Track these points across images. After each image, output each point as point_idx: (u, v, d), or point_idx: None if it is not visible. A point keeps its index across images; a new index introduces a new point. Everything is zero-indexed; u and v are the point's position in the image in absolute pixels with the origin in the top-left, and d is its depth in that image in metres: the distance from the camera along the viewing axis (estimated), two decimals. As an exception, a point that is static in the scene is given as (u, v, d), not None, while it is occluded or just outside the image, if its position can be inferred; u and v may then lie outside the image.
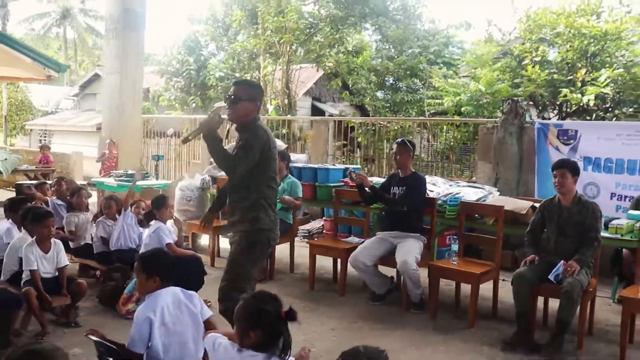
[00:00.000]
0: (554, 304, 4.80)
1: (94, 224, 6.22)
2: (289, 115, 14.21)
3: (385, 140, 12.39)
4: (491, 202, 5.99)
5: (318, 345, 4.49)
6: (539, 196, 7.02)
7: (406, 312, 5.45)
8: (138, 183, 8.34)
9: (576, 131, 7.35)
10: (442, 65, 15.63)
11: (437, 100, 12.30)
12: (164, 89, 18.38)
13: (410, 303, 5.50)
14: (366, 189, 5.87)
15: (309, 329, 4.91)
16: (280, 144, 8.24)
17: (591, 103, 10.09)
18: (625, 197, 6.87)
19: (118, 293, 5.25)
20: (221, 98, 18.38)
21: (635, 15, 10.54)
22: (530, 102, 11.65)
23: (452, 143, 11.82)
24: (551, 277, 4.67)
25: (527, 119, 7.89)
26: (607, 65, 10.37)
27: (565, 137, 7.39)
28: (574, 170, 4.92)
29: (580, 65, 10.80)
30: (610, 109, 10.91)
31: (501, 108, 11.26)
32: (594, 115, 10.80)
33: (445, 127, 11.95)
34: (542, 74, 10.63)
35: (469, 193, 6.26)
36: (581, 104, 10.38)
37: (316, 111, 21.64)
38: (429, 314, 5.33)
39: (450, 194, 6.21)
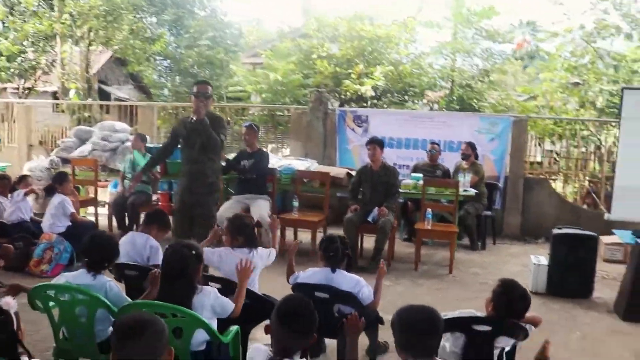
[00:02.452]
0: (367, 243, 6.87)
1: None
2: (113, 101, 14.80)
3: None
4: (317, 170, 7.88)
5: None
6: (340, 165, 9.10)
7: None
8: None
9: (367, 116, 9.56)
10: (220, 50, 17.13)
11: (239, 88, 13.95)
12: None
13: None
14: (221, 162, 7.40)
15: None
16: (125, 127, 9.28)
17: (368, 93, 12.54)
18: (404, 165, 9.21)
19: (24, 258, 6.17)
20: (12, 80, 18.05)
21: (400, 22, 13.22)
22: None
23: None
24: (369, 219, 6.70)
25: (330, 106, 9.92)
26: (381, 62, 12.90)
27: (359, 121, 9.56)
28: (381, 145, 7.00)
29: (358, 61, 13.20)
30: (380, 97, 13.47)
31: (293, 95, 13.39)
32: (368, 102, 13.28)
33: (244, 111, 13.70)
34: (329, 68, 12.82)
35: (297, 164, 8.08)
36: (359, 93, 12.79)
37: (103, 94, 21.97)
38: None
39: (282, 165, 7.97)
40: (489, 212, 8.20)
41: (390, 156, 9.26)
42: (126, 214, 7.70)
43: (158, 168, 7.93)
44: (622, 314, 5.34)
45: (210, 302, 3.04)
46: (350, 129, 9.57)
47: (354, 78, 12.79)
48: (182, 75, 15.37)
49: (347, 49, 13.10)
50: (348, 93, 13.19)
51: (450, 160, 8.72)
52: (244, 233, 4.01)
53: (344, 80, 12.92)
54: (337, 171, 7.74)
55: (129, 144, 8.60)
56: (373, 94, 12.92)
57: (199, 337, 2.93)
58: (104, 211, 8.58)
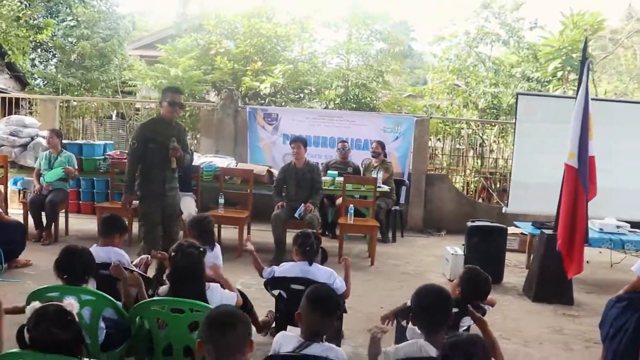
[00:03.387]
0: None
1: None
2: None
3: (81, 117, 13.32)
4: (238, 167, 8.06)
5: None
6: (251, 162, 9.30)
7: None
8: None
9: (277, 114, 9.82)
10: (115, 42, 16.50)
11: (135, 82, 13.66)
12: None
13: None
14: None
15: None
16: (34, 122, 8.90)
17: (267, 90, 12.78)
18: (315, 162, 9.54)
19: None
20: None
21: (297, 21, 13.56)
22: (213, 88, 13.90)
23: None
24: (296, 215, 7.00)
25: (240, 104, 10.10)
26: (279, 60, 13.16)
27: (269, 119, 9.80)
28: (305, 143, 7.32)
29: (256, 58, 13.38)
30: (276, 95, 13.72)
31: (193, 91, 13.36)
32: (267, 100, 13.51)
33: (139, 105, 13.51)
34: (229, 64, 12.92)
35: (218, 161, 8.21)
36: (257, 90, 12.99)
37: (-27, 84, 20.57)
38: (206, 251, 7.16)
39: (204, 162, 8.07)
40: (397, 207, 8.75)
41: (300, 153, 9.62)
42: (42, 213, 7.48)
43: (75, 165, 7.77)
44: (532, 296, 6.02)
45: (218, 297, 3.22)
46: (261, 126, 9.79)
47: (251, 75, 12.97)
48: (74, 67, 14.73)
49: (245, 46, 13.23)
50: (243, 89, 13.35)
51: (357, 157, 9.20)
52: (204, 232, 4.23)
53: (242, 77, 13.06)
54: (259, 169, 7.97)
55: (40, 139, 8.31)
56: (269, 91, 13.15)
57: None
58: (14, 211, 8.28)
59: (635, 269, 4.12)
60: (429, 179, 9.70)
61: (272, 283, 3.98)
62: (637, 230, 7.10)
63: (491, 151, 12.63)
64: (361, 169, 8.88)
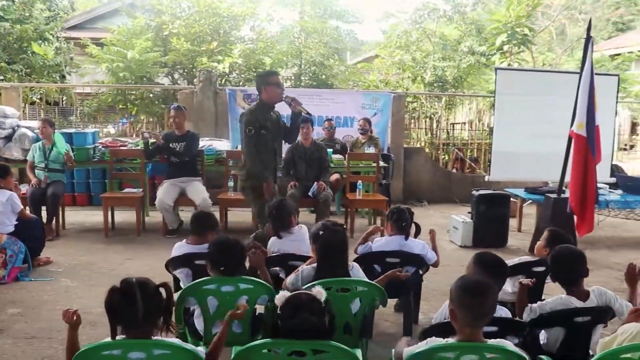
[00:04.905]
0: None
1: None
2: None
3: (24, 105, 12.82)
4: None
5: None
6: (232, 143, 9.40)
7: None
8: None
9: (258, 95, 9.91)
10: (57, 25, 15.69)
11: (92, 66, 13.24)
12: None
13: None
14: (150, 146, 7.45)
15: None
16: (15, 112, 8.59)
17: (226, 70, 12.80)
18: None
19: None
20: None
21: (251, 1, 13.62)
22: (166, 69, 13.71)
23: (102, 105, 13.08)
24: (310, 193, 7.28)
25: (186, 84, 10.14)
26: (230, 40, 13.20)
27: (249, 100, 9.89)
28: (312, 123, 7.58)
29: (211, 38, 13.33)
30: (232, 74, 13.73)
31: (148, 74, 13.17)
32: (223, 80, 13.50)
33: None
34: (185, 45, 12.81)
35: (220, 145, 8.32)
36: (214, 70, 12.97)
37: None
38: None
39: (204, 146, 8.14)
40: (384, 181, 9.15)
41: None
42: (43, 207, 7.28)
43: (72, 154, 7.62)
44: (544, 256, 6.60)
45: (360, 276, 3.48)
46: (241, 107, 9.87)
47: (206, 56, 12.93)
48: (12, 52, 13.99)
49: (200, 26, 13.13)
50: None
51: (338, 135, 9.49)
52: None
53: (197, 57, 13.00)
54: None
55: (24, 130, 8.06)
56: (225, 71, 13.16)
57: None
58: None
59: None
60: (407, 152, 10.17)
61: (369, 257, 4.24)
62: (613, 190, 7.86)
63: (438, 122, 13.23)
64: (347, 146, 9.20)
